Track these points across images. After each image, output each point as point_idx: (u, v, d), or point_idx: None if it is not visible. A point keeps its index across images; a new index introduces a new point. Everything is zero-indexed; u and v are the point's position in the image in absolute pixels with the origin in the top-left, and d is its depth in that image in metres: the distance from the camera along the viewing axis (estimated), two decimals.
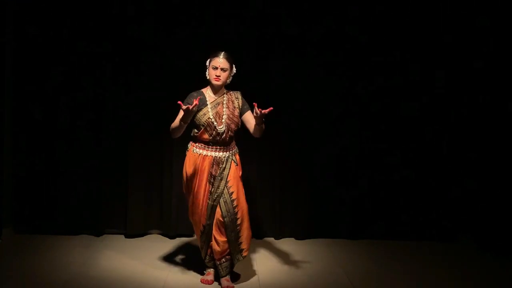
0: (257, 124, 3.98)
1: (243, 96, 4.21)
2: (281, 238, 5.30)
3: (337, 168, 5.27)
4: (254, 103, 3.89)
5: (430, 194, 5.30)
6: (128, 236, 5.22)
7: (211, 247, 4.14)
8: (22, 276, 4.25)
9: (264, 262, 4.64)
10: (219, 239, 4.08)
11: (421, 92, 5.24)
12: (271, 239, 5.26)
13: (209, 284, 4.16)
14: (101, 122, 5.15)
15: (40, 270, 4.38)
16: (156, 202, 5.28)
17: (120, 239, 5.18)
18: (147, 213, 5.28)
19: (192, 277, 4.31)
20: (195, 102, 3.89)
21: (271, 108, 3.82)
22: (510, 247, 5.04)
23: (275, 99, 5.04)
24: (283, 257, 4.82)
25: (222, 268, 4.14)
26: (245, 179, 4.36)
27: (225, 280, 4.13)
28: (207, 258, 4.21)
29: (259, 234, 5.20)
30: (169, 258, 4.71)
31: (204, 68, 4.11)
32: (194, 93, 4.12)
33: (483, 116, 5.25)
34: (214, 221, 4.08)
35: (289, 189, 5.26)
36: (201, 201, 4.10)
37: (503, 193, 5.18)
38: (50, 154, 5.16)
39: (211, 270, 4.23)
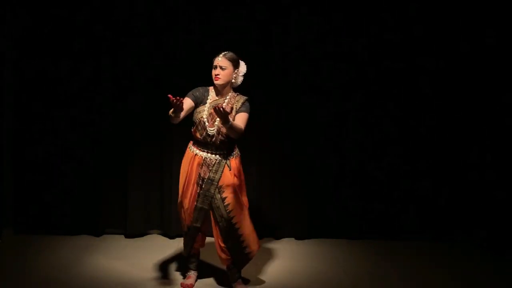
0: (222, 124, 3.71)
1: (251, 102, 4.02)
2: (281, 238, 5.30)
3: (337, 168, 5.26)
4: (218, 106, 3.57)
5: (430, 194, 5.30)
6: (128, 236, 5.21)
7: (195, 246, 4.06)
8: (22, 276, 4.25)
9: (264, 262, 4.63)
10: (222, 246, 3.98)
11: (429, 90, 5.25)
12: (271, 239, 5.26)
13: None
14: (101, 122, 5.15)
15: (40, 270, 4.38)
16: (156, 202, 5.27)
17: (120, 239, 5.17)
18: (147, 213, 5.28)
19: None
20: (181, 100, 3.60)
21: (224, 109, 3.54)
22: (510, 246, 5.04)
23: (275, 97, 5.06)
24: (283, 257, 4.82)
25: (231, 274, 4.07)
26: (245, 179, 4.31)
27: (238, 284, 4.07)
28: (190, 257, 4.12)
29: (259, 234, 5.17)
30: (169, 258, 4.70)
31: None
32: (200, 88, 4.00)
33: (480, 115, 5.25)
34: (214, 227, 3.99)
35: (289, 189, 5.25)
36: (188, 201, 3.97)
37: (504, 193, 5.18)
38: (50, 154, 5.15)
39: (192, 273, 4.15)
